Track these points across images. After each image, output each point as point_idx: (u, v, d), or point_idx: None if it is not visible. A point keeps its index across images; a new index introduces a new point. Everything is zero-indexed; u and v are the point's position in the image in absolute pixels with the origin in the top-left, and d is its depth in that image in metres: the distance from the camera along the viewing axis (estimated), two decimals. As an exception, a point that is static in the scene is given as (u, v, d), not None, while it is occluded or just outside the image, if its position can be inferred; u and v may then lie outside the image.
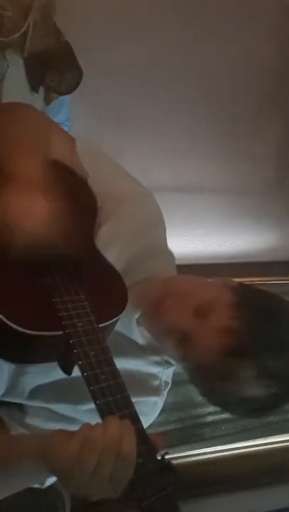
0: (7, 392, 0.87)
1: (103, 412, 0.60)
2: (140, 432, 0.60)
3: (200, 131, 1.87)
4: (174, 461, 0.59)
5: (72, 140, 0.99)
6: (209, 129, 1.88)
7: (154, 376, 0.94)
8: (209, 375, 0.81)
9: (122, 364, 0.89)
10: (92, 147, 0.99)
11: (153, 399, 0.94)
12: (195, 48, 1.70)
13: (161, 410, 0.97)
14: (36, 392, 0.87)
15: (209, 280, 0.96)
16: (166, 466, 0.58)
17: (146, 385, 0.93)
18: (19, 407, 0.90)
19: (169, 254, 1.03)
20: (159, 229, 1.03)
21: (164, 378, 0.96)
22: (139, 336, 0.92)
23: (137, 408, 0.89)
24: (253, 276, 2.04)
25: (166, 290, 0.86)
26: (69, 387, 0.81)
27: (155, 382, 0.94)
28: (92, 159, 0.97)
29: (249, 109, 1.91)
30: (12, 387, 0.87)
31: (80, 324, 0.69)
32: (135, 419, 0.61)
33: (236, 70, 1.79)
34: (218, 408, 0.92)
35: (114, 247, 0.92)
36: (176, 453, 1.86)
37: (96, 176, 0.95)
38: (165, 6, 1.60)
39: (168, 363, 0.96)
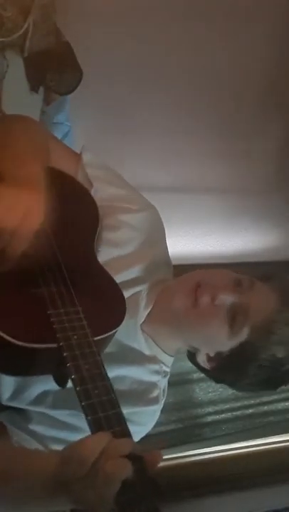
0: (13, 396, 0.86)
1: (93, 428, 0.58)
2: (131, 452, 0.57)
3: (200, 131, 1.87)
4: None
5: (75, 153, 1.01)
6: (209, 129, 1.88)
7: (154, 385, 0.95)
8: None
9: (125, 372, 0.90)
10: (97, 160, 1.00)
11: (153, 408, 0.94)
12: (195, 47, 1.70)
13: (161, 410, 0.98)
14: (42, 398, 0.86)
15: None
16: (156, 489, 0.55)
17: (147, 394, 0.93)
18: (22, 412, 0.89)
19: (170, 265, 1.05)
20: (164, 241, 1.05)
21: (162, 387, 0.96)
22: (143, 343, 0.92)
23: (138, 418, 0.90)
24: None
25: (193, 281, 0.90)
26: (74, 393, 0.80)
27: (155, 392, 0.95)
28: (99, 171, 0.98)
29: (249, 109, 1.91)
30: (19, 390, 0.86)
31: (75, 337, 0.67)
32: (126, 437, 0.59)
33: (236, 69, 1.79)
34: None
35: (127, 255, 0.93)
36: (176, 453, 1.85)
37: (101, 187, 0.96)
38: (165, 6, 1.60)
39: (165, 372, 0.97)
